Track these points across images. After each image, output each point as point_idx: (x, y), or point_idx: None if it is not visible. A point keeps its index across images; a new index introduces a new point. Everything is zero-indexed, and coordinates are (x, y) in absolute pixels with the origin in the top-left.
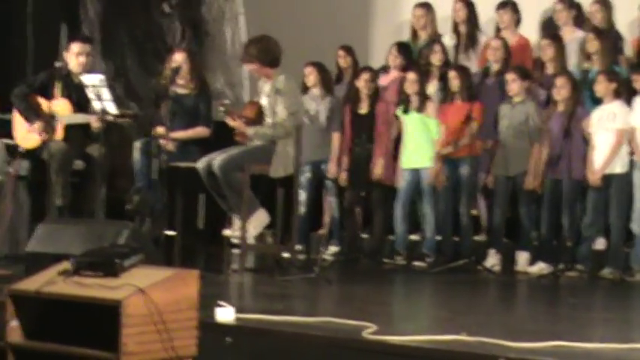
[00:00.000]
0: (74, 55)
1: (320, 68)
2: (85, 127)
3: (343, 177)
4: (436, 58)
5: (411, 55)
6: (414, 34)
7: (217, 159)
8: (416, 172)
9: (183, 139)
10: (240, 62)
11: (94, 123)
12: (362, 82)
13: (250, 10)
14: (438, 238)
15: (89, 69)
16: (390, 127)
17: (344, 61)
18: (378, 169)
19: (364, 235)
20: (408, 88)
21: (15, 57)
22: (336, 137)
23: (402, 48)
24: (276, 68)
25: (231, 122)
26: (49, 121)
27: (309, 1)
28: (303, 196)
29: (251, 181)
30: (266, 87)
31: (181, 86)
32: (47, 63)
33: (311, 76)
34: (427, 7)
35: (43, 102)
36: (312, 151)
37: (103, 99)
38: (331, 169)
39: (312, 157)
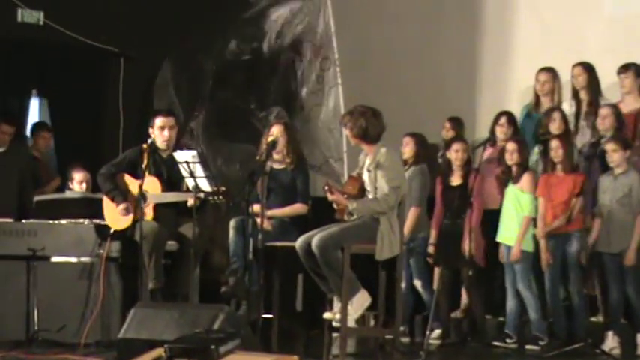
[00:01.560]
0: (158, 130)
1: (418, 140)
2: (177, 205)
3: (431, 252)
4: (554, 127)
5: (517, 125)
6: (537, 101)
7: (316, 237)
8: (508, 248)
9: (280, 217)
10: (338, 136)
11: (190, 201)
12: (453, 154)
13: (348, 80)
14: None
15: (175, 143)
16: (484, 201)
17: (446, 133)
18: (466, 244)
19: (458, 315)
20: (508, 159)
21: (106, 135)
22: (412, 212)
23: (512, 118)
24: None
25: (330, 197)
26: (136, 201)
27: (410, 71)
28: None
29: (351, 259)
30: (367, 160)
31: (277, 161)
32: (139, 139)
33: (407, 148)
34: (552, 72)
35: (131, 181)
36: None
37: (195, 176)
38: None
39: None
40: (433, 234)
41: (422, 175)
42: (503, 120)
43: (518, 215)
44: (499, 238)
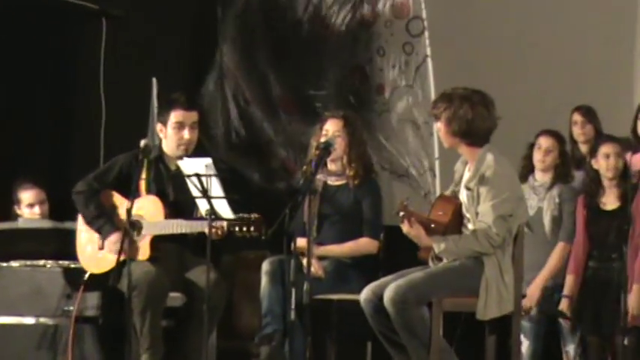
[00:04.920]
0: (174, 127)
1: (561, 142)
2: (185, 240)
3: (564, 309)
4: None
5: None
6: None
7: (391, 287)
8: None
9: (337, 256)
10: (428, 135)
11: (205, 232)
12: (602, 161)
13: (441, 50)
14: None
15: (192, 150)
16: None
17: (580, 131)
18: (634, 301)
19: None
20: None
21: (81, 131)
22: (560, 248)
23: None
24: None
25: (406, 229)
26: (131, 231)
27: (536, 41)
28: (525, 344)
29: (443, 320)
30: (466, 172)
31: (334, 173)
32: (129, 141)
33: (550, 155)
34: None
35: (120, 202)
36: (531, 273)
37: (211, 195)
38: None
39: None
40: (570, 281)
41: (575, 194)
42: None
43: None
44: None
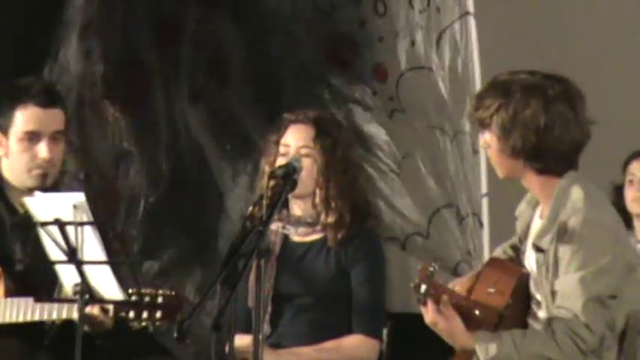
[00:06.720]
0: (20, 139)
1: None
2: (40, 332)
3: None
4: None
5: None
6: None
7: None
8: None
9: None
10: (469, 148)
11: (99, 321)
12: None
13: (485, 9)
14: None
15: (57, 178)
16: None
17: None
18: None
19: None
20: None
21: None
22: None
23: None
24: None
25: (431, 317)
26: None
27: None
28: None
29: None
30: (536, 219)
31: (302, 221)
32: None
33: None
34: None
35: None
36: None
37: (83, 259)
38: None
39: None
40: None
41: None
42: None
43: None
44: None
